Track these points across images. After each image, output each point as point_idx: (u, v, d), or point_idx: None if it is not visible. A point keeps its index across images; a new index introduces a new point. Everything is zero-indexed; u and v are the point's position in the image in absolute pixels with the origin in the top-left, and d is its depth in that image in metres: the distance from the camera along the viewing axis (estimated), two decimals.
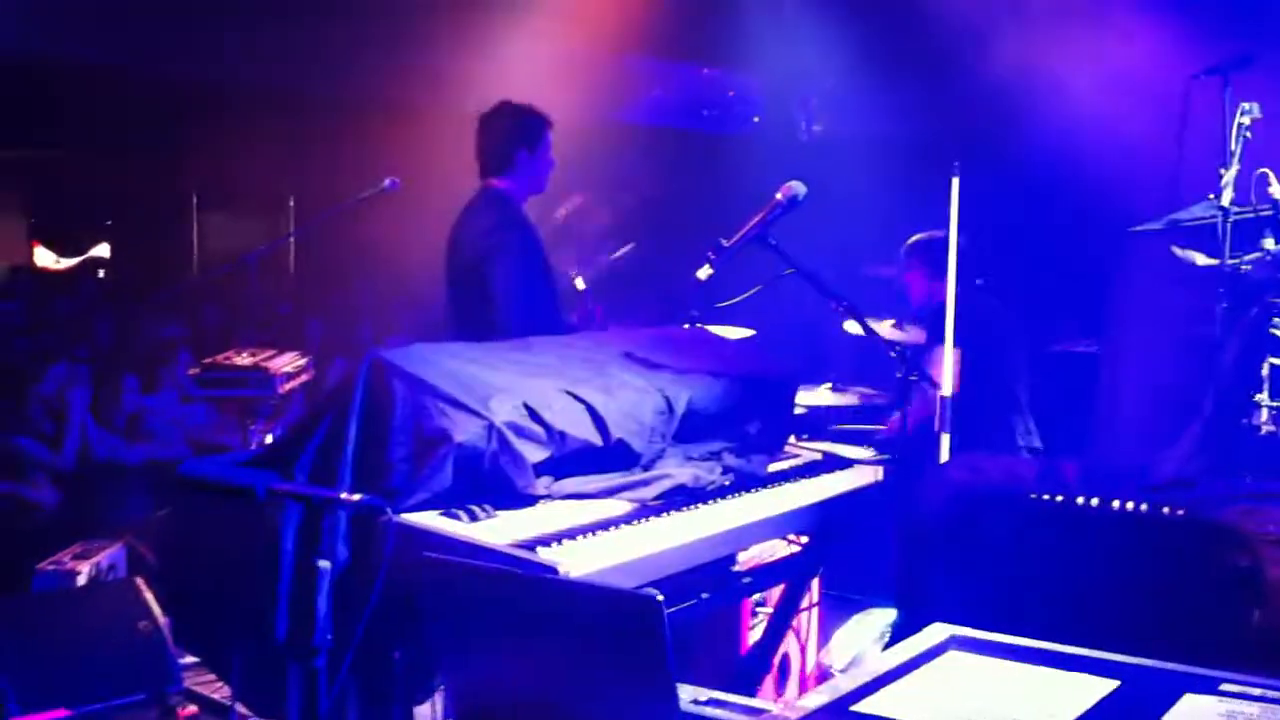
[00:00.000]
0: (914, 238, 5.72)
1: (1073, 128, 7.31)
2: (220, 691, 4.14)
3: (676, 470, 3.35)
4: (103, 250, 13.13)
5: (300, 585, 2.79)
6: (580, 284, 5.66)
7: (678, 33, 9.61)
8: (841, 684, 2.30)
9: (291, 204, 9.49)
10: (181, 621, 3.64)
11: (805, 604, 4.42)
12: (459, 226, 4.85)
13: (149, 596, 4.36)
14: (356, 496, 2.43)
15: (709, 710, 2.50)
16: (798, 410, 5.61)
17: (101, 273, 13.01)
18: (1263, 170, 4.72)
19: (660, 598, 2.10)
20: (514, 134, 4.82)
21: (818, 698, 2.22)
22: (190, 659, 4.19)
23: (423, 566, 2.33)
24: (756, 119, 11.99)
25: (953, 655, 2.49)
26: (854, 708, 2.19)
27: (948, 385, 5.00)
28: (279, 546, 2.82)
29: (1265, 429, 4.64)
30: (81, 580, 4.89)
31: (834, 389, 6.05)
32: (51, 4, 8.94)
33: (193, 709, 4.13)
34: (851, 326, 5.23)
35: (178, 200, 12.30)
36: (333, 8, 9.50)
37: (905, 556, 3.85)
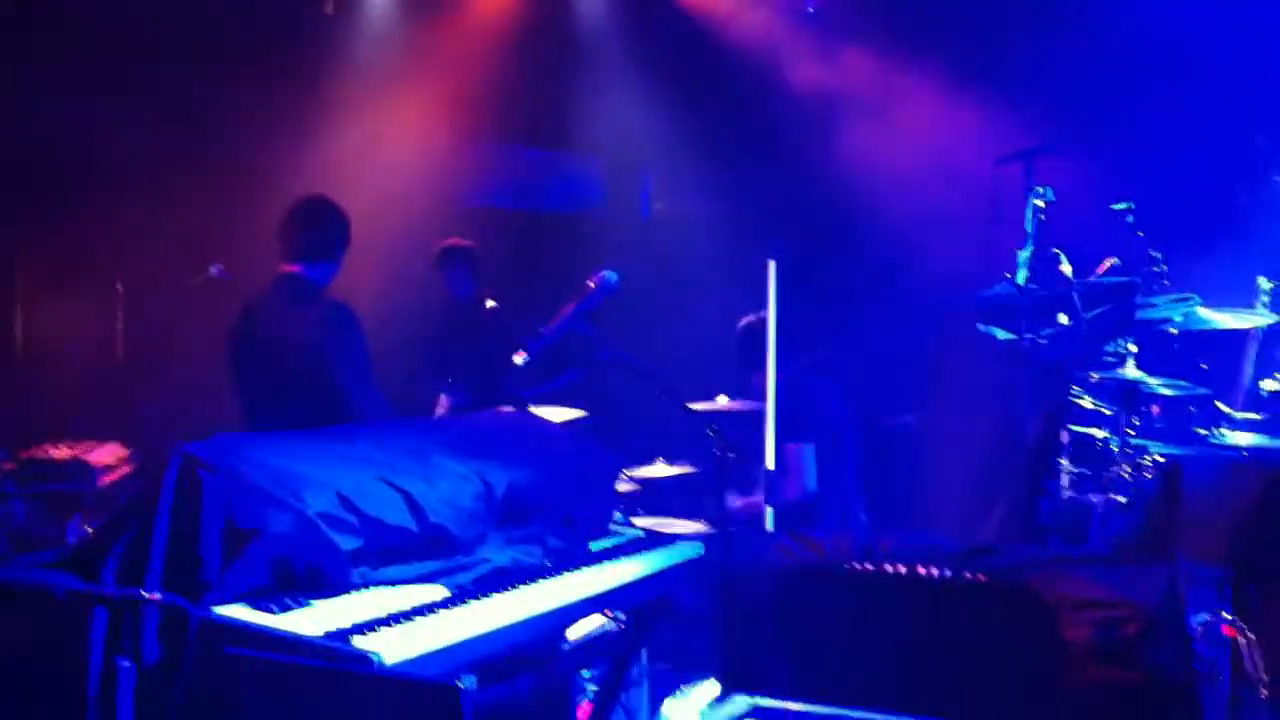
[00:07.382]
0: (742, 322, 5.81)
1: (893, 209, 7.61)
2: None
3: (496, 554, 3.39)
4: None
5: (107, 686, 2.75)
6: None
7: (515, 118, 9.76)
8: None
9: (119, 288, 9.23)
10: None
11: (636, 678, 4.48)
12: (282, 315, 4.85)
13: None
14: (156, 595, 2.41)
15: None
16: (629, 488, 5.70)
17: None
18: (1055, 250, 5.01)
19: (462, 686, 2.13)
20: (343, 233, 5.01)
21: None
22: None
23: (226, 662, 2.33)
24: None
25: None
26: None
27: (770, 459, 5.14)
28: (86, 648, 2.76)
29: (1066, 494, 4.88)
30: None
31: (667, 462, 6.11)
32: None
33: None
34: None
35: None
36: (156, 85, 9.33)
37: (727, 629, 3.93)
